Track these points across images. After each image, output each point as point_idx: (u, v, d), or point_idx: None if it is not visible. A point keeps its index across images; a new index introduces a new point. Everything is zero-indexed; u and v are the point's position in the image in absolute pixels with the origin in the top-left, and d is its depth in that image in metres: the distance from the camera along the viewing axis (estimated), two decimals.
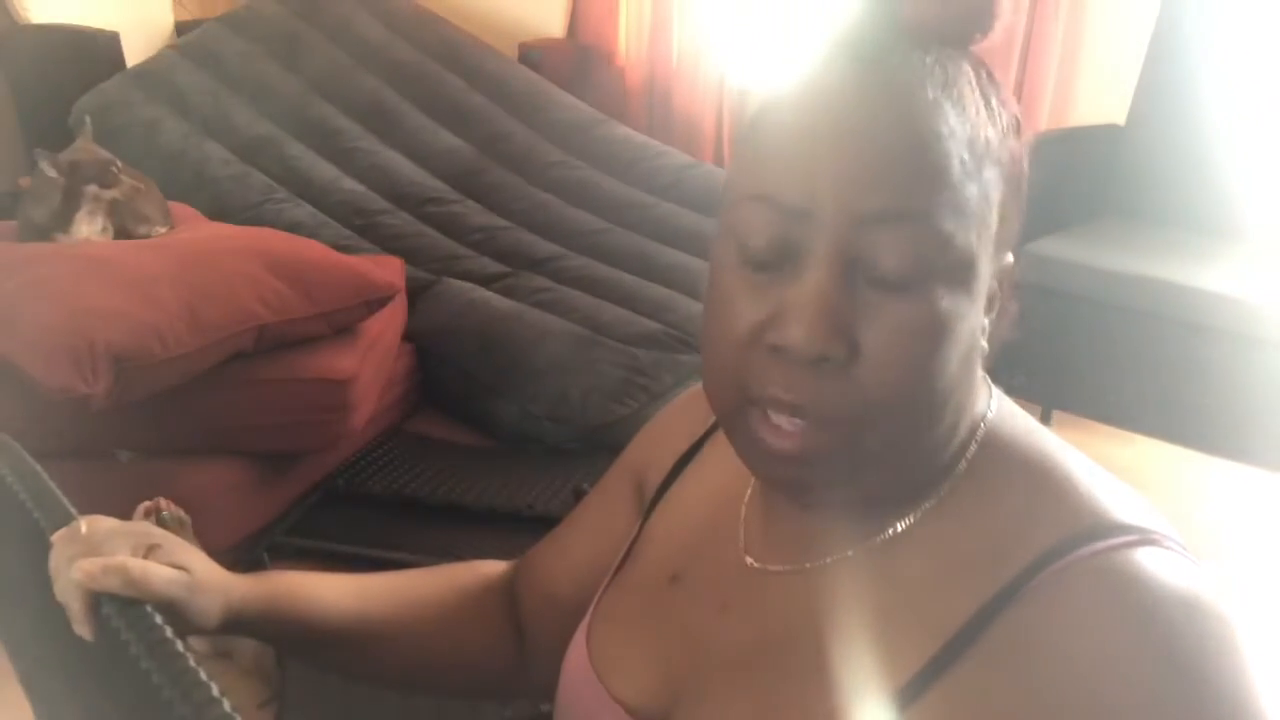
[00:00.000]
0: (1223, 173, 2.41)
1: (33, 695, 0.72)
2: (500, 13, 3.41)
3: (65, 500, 0.65)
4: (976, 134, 0.51)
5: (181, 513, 1.22)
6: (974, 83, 0.52)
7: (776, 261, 0.52)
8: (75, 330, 1.51)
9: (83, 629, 0.58)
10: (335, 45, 2.89)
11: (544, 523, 1.25)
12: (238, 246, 1.81)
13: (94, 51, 2.76)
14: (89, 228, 1.87)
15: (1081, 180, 2.59)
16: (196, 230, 2.01)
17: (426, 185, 2.64)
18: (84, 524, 0.63)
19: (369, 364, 1.89)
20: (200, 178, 2.46)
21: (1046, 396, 2.45)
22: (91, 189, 1.87)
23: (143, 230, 1.94)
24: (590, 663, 0.66)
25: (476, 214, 2.60)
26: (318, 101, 2.75)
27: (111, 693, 0.58)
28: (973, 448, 0.57)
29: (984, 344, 0.56)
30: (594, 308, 2.24)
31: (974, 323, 0.53)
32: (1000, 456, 0.57)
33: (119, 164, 1.92)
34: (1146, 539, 0.51)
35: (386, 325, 2.00)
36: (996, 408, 0.59)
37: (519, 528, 1.77)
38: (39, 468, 0.68)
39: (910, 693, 0.51)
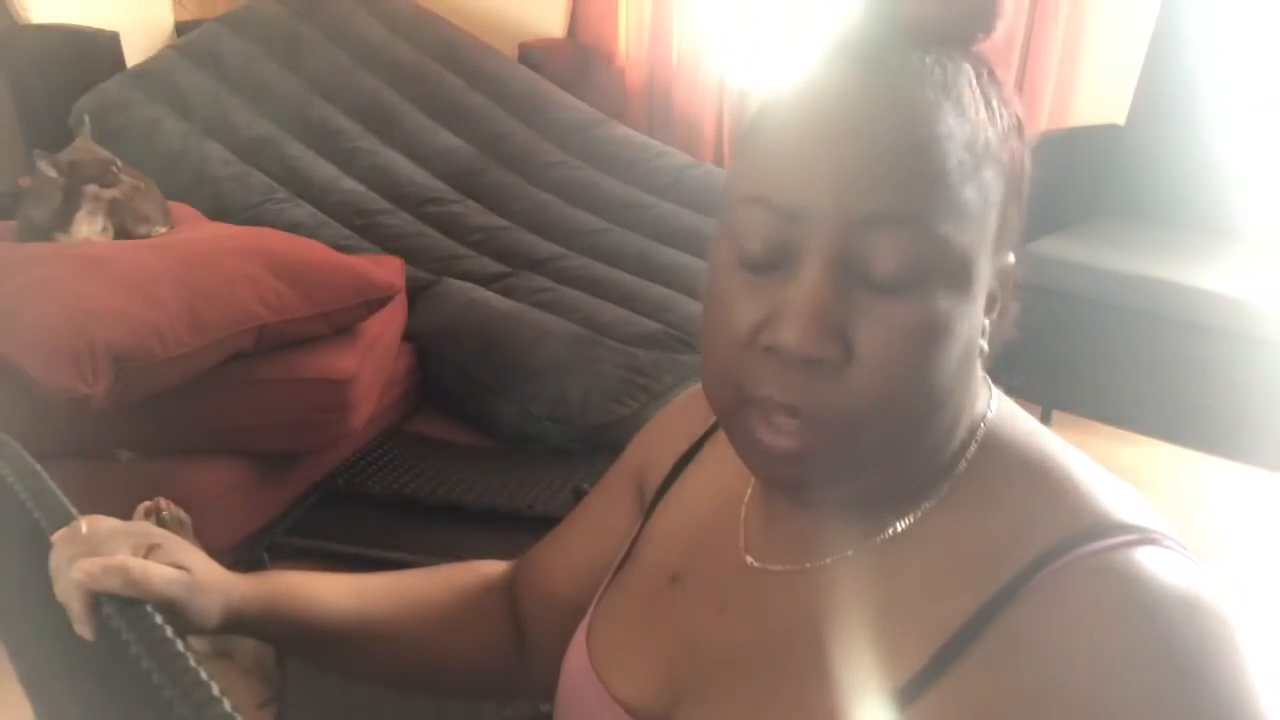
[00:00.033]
0: (1222, 173, 2.41)
1: (33, 695, 0.73)
2: (500, 13, 3.41)
3: (66, 500, 0.66)
4: (975, 135, 0.51)
5: (181, 513, 1.22)
6: (974, 83, 0.52)
7: (772, 263, 0.52)
8: (75, 330, 1.51)
9: (83, 629, 0.58)
10: (335, 45, 2.89)
11: (544, 523, 1.25)
12: (238, 246, 1.81)
13: (94, 51, 2.76)
14: (89, 227, 1.87)
15: (1081, 180, 2.59)
16: (196, 230, 2.01)
17: (426, 185, 2.64)
18: (84, 524, 0.63)
19: (369, 364, 1.89)
20: (200, 178, 2.47)
21: (1046, 396, 2.45)
22: (91, 188, 1.87)
23: (143, 230, 1.94)
24: (590, 662, 0.66)
25: (476, 214, 2.60)
26: (318, 101, 2.75)
27: (112, 692, 0.58)
28: (973, 448, 0.57)
29: (984, 344, 0.56)
30: (594, 308, 2.24)
31: (972, 324, 0.53)
32: (1000, 456, 0.57)
33: (119, 163, 1.92)
34: (1146, 538, 0.51)
35: (386, 325, 2.00)
36: (997, 408, 0.59)
37: (519, 528, 1.77)
38: (39, 467, 0.68)
39: (910, 692, 0.51)
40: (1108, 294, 2.27)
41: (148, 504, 1.20)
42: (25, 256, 1.73)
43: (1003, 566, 0.52)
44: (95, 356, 1.50)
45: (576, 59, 3.38)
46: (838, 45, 0.53)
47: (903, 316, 0.50)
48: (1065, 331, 2.33)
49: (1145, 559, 0.50)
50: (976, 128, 0.51)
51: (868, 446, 0.52)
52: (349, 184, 2.58)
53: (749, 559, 0.63)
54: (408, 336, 2.16)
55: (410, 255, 2.37)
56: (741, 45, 3.16)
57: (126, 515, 0.87)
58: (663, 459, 0.73)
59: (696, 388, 0.68)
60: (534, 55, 3.15)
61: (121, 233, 1.91)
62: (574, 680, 0.68)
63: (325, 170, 2.59)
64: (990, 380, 0.60)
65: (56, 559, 0.61)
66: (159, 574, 0.61)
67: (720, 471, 0.68)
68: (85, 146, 1.92)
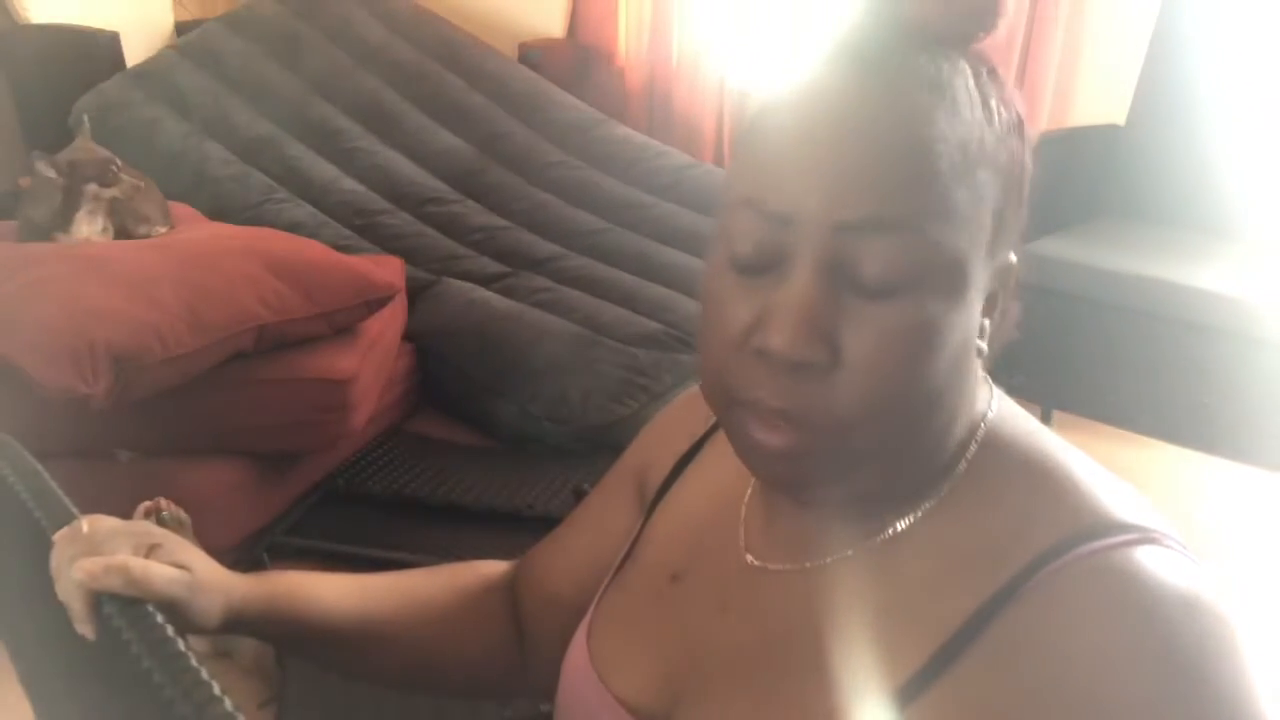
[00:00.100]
0: (1222, 173, 2.41)
1: (33, 695, 0.73)
2: (500, 13, 3.41)
3: (67, 500, 0.66)
4: (969, 136, 0.51)
5: (181, 513, 1.22)
6: (971, 82, 0.52)
7: (764, 266, 0.52)
8: (75, 330, 1.51)
9: (84, 628, 0.58)
10: (335, 45, 2.89)
11: (544, 523, 1.25)
12: (238, 246, 1.81)
13: (94, 51, 2.76)
14: (89, 227, 1.87)
15: (1081, 180, 2.59)
16: (196, 230, 2.01)
17: (426, 185, 2.64)
18: (85, 523, 0.63)
19: (369, 364, 1.89)
20: (200, 178, 2.47)
21: (1046, 396, 2.45)
22: (91, 188, 1.87)
23: (143, 230, 1.94)
24: (591, 662, 0.66)
25: (476, 214, 2.60)
26: (318, 101, 2.75)
27: (113, 692, 0.58)
28: (973, 448, 0.57)
29: (983, 345, 0.56)
30: (594, 308, 2.24)
31: (965, 326, 0.53)
32: (1001, 456, 0.57)
33: (118, 162, 1.92)
34: (1147, 537, 0.51)
35: (386, 325, 2.01)
36: (997, 408, 0.59)
37: (519, 528, 1.77)
38: (40, 467, 0.68)
39: (910, 692, 0.51)
40: (1108, 294, 2.28)
41: (148, 504, 1.20)
42: (25, 256, 1.73)
43: (1003, 566, 0.52)
44: (95, 356, 1.50)
45: (576, 59, 3.38)
46: (836, 46, 0.52)
47: (892, 320, 0.50)
48: (1065, 331, 2.33)
49: (1145, 558, 0.50)
50: (971, 128, 0.51)
51: (861, 447, 0.52)
52: (349, 184, 2.58)
53: (749, 558, 0.63)
54: (408, 336, 2.16)
55: (410, 255, 2.37)
56: (741, 46, 3.16)
57: (126, 515, 0.87)
58: (663, 459, 0.73)
59: (697, 388, 0.69)
60: (534, 55, 3.15)
61: (121, 233, 1.91)
62: (574, 680, 0.68)
63: (325, 170, 2.59)
64: (991, 380, 0.60)
65: (57, 558, 0.61)
66: (160, 573, 0.61)
67: (721, 471, 0.68)
68: (85, 146, 1.92)
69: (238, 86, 2.71)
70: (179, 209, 2.11)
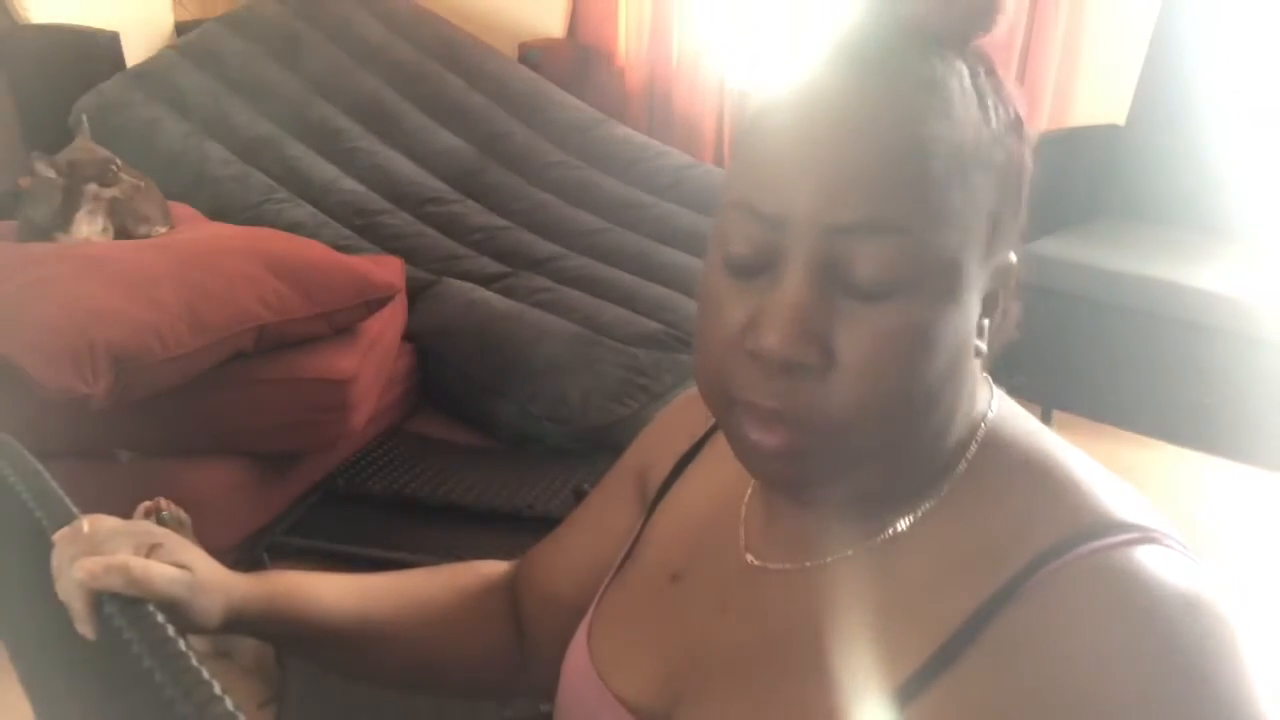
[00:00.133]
0: (1222, 173, 2.41)
1: (33, 695, 0.73)
2: (500, 13, 3.41)
3: (67, 500, 0.66)
4: (964, 136, 0.51)
5: (181, 513, 1.22)
6: (967, 82, 0.52)
7: (758, 267, 0.52)
8: (75, 330, 1.51)
9: (85, 628, 0.58)
10: (335, 45, 2.89)
11: (544, 523, 1.25)
12: (238, 246, 1.81)
13: (94, 51, 2.76)
14: (89, 227, 1.87)
15: (1081, 180, 2.59)
16: (196, 230, 2.01)
17: (426, 185, 2.64)
18: (86, 523, 0.63)
19: (369, 364, 1.89)
20: (200, 178, 2.47)
21: (1046, 396, 2.45)
22: (91, 188, 1.87)
23: (143, 230, 1.94)
24: (591, 662, 0.66)
25: (476, 214, 2.60)
26: (318, 101, 2.75)
27: (113, 692, 0.58)
28: (973, 448, 0.57)
29: (981, 345, 0.55)
30: (594, 308, 2.24)
31: (961, 327, 0.52)
32: (1001, 456, 0.57)
33: (118, 162, 1.92)
34: (1147, 537, 0.51)
35: (386, 325, 2.01)
36: (998, 408, 0.59)
37: (519, 528, 1.77)
38: (40, 467, 0.68)
39: (909, 691, 0.51)
40: (1108, 294, 2.28)
41: (148, 504, 1.20)
42: (25, 256, 1.73)
43: (1002, 566, 0.52)
44: (95, 356, 1.50)
45: (576, 59, 3.38)
46: (832, 47, 0.52)
47: (884, 322, 0.50)
48: (1065, 331, 2.33)
49: (1145, 558, 0.50)
50: (966, 129, 0.51)
51: (857, 447, 0.52)
52: (349, 184, 2.58)
53: (749, 558, 0.63)
54: (408, 336, 2.16)
55: (410, 255, 2.37)
56: (741, 46, 3.16)
57: (127, 515, 0.87)
58: (664, 459, 0.73)
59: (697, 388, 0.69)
60: (534, 55, 3.16)
61: (122, 232, 1.91)
62: (575, 680, 0.68)
63: (325, 170, 2.59)
64: (991, 380, 0.60)
65: (58, 558, 0.61)
66: (161, 573, 0.61)
67: (721, 471, 0.68)
68: (85, 146, 1.92)
69: (238, 86, 2.71)
70: (179, 209, 2.11)
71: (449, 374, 2.17)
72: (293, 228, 2.28)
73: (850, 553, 0.58)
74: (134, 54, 2.81)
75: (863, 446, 0.52)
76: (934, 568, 0.54)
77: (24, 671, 0.73)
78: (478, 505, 1.84)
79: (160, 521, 1.19)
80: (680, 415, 0.76)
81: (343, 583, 0.76)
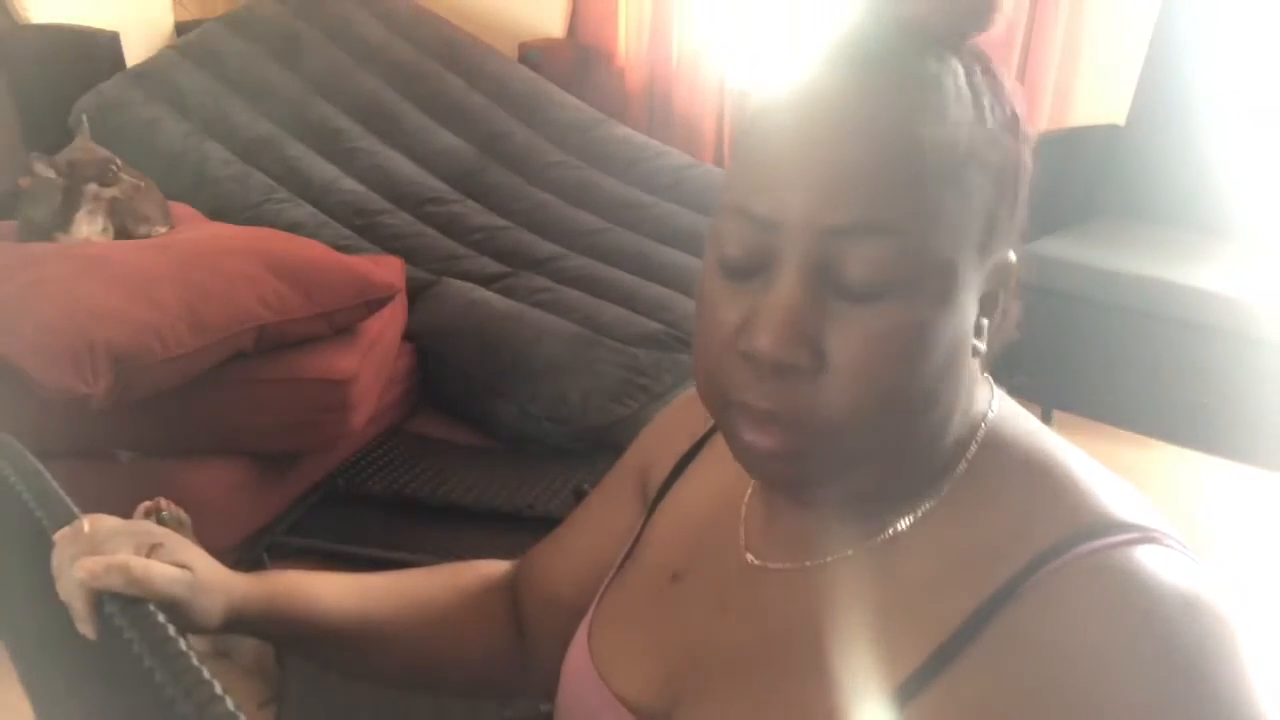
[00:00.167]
0: (1222, 173, 2.41)
1: (34, 695, 0.73)
2: (500, 13, 3.41)
3: (68, 499, 0.66)
4: (958, 136, 0.50)
5: (181, 513, 1.22)
6: (961, 81, 0.52)
7: (751, 269, 0.52)
8: (75, 330, 1.51)
9: (86, 628, 0.58)
10: (335, 45, 2.89)
11: (544, 523, 1.26)
12: (238, 246, 1.81)
13: (94, 51, 2.76)
14: (89, 227, 1.87)
15: (1081, 180, 2.59)
16: (196, 230, 2.01)
17: (426, 185, 2.64)
18: (86, 523, 0.63)
19: (369, 364, 1.89)
20: (200, 178, 2.47)
21: (1047, 396, 2.45)
22: (91, 188, 1.87)
23: (143, 230, 1.94)
24: (592, 661, 0.66)
25: (476, 214, 2.60)
26: (318, 101, 2.75)
27: (114, 691, 0.58)
28: (973, 448, 0.57)
29: (980, 344, 0.55)
30: (594, 308, 2.24)
31: (956, 327, 0.52)
32: (1001, 456, 0.57)
33: (118, 162, 1.92)
34: (1147, 537, 0.51)
35: (386, 325, 2.01)
36: (998, 408, 0.59)
37: (519, 528, 1.77)
38: (41, 467, 0.68)
39: (908, 690, 0.51)
40: (1108, 294, 2.28)
41: (148, 504, 1.20)
42: (25, 257, 1.73)
43: (1002, 565, 0.52)
44: (95, 357, 1.50)
45: (576, 59, 3.38)
46: (829, 48, 0.52)
47: (877, 323, 0.50)
48: (1065, 331, 2.33)
49: (1145, 558, 0.50)
50: (960, 128, 0.51)
51: (852, 448, 0.52)
52: (349, 184, 2.58)
53: (750, 557, 0.63)
54: (408, 336, 2.16)
55: (410, 255, 2.37)
56: (741, 46, 3.16)
57: (127, 515, 0.87)
58: (664, 458, 0.73)
59: None
60: (534, 55, 3.15)
61: (122, 232, 1.91)
62: (575, 680, 0.68)
63: (325, 170, 2.59)
64: (991, 380, 0.60)
65: (59, 558, 0.61)
66: (161, 573, 0.61)
67: (721, 470, 0.68)
68: (84, 146, 1.92)
69: (238, 86, 2.71)
70: (179, 209, 2.11)
71: (449, 374, 2.17)
72: (293, 228, 2.28)
73: (850, 552, 0.58)
74: (134, 54, 2.81)
75: (858, 447, 0.52)
76: (934, 567, 0.54)
77: (24, 671, 0.73)
78: (478, 505, 1.84)
79: (160, 521, 1.18)
80: (681, 415, 0.76)
81: (343, 582, 0.76)
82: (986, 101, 0.52)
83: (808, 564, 0.59)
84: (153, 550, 0.64)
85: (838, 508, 0.58)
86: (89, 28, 2.81)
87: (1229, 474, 2.30)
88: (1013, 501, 0.54)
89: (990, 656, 0.50)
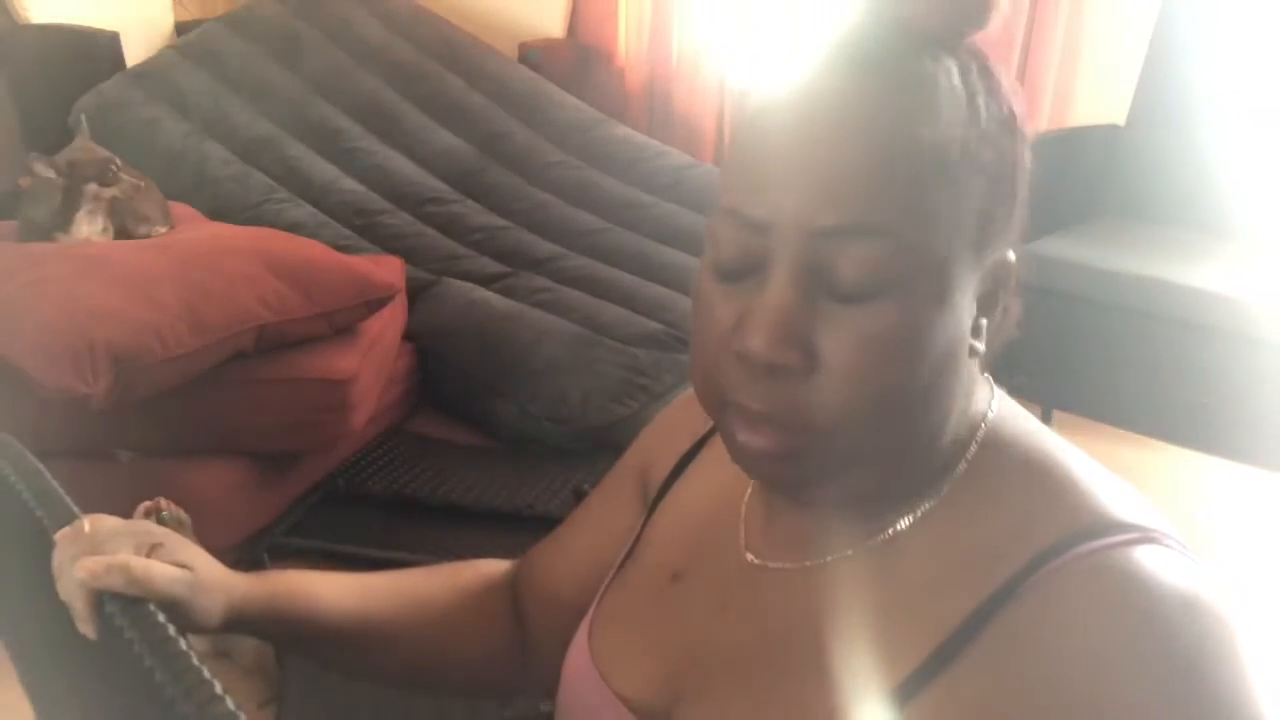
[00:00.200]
0: (1221, 173, 2.41)
1: (33, 695, 0.73)
2: (500, 13, 3.41)
3: (68, 499, 0.66)
4: (951, 136, 0.50)
5: (181, 512, 1.22)
6: (955, 80, 0.51)
7: (744, 271, 0.52)
8: (75, 330, 1.51)
9: (86, 627, 0.58)
10: (335, 45, 2.89)
11: (544, 523, 1.26)
12: (238, 246, 1.81)
13: (94, 51, 2.76)
14: (89, 227, 1.87)
15: (1081, 180, 2.59)
16: (196, 230, 2.01)
17: (426, 185, 2.64)
18: (87, 523, 0.63)
19: (369, 364, 1.89)
20: (200, 178, 2.47)
21: (1047, 396, 2.45)
22: (91, 187, 1.87)
23: (143, 230, 1.94)
24: (592, 661, 0.66)
25: (476, 214, 2.60)
26: (318, 101, 2.75)
27: (114, 691, 0.58)
28: (973, 448, 0.57)
29: (979, 344, 0.55)
30: (594, 308, 2.24)
31: (951, 327, 0.52)
32: (1001, 456, 0.57)
33: (118, 162, 1.92)
34: (1146, 537, 0.51)
35: (386, 325, 2.01)
36: (998, 408, 0.59)
37: (519, 528, 1.77)
38: (41, 467, 0.68)
39: (908, 690, 0.51)
40: (1108, 294, 2.28)
41: (148, 504, 1.20)
42: (25, 256, 1.73)
43: (1002, 565, 0.52)
44: (95, 356, 1.50)
45: (576, 59, 3.38)
46: (824, 49, 0.52)
47: (869, 324, 0.50)
48: (1065, 331, 2.33)
49: (1144, 558, 0.50)
50: (953, 128, 0.50)
51: (848, 449, 0.52)
52: (349, 184, 2.58)
53: (750, 557, 0.63)
54: (408, 336, 2.16)
55: (410, 255, 2.37)
56: (741, 46, 3.16)
57: (127, 515, 0.87)
58: (665, 458, 0.73)
59: None
60: (534, 55, 3.15)
61: (122, 232, 1.91)
62: (575, 679, 0.68)
63: (325, 170, 2.59)
64: (991, 380, 0.60)
65: (59, 558, 0.61)
66: (162, 572, 0.61)
67: (721, 470, 0.68)
68: (84, 146, 1.92)
69: (238, 86, 2.71)
70: (179, 209, 2.11)
71: (449, 374, 2.17)
72: (293, 228, 2.28)
73: (850, 552, 0.58)
74: (134, 54, 2.81)
75: (853, 447, 0.52)
76: (934, 567, 0.54)
77: (24, 671, 0.73)
78: (478, 505, 1.84)
79: (160, 521, 1.18)
80: (681, 414, 0.76)
81: (343, 582, 0.76)
82: (981, 100, 0.52)
83: (808, 564, 0.59)
84: (153, 550, 0.64)
85: (837, 507, 0.58)
86: (89, 28, 2.81)
87: (1229, 474, 2.30)
88: (1012, 501, 0.54)
89: (990, 656, 0.50)
